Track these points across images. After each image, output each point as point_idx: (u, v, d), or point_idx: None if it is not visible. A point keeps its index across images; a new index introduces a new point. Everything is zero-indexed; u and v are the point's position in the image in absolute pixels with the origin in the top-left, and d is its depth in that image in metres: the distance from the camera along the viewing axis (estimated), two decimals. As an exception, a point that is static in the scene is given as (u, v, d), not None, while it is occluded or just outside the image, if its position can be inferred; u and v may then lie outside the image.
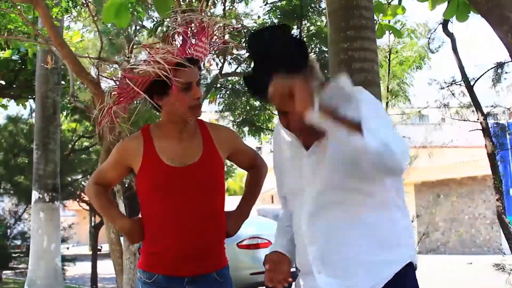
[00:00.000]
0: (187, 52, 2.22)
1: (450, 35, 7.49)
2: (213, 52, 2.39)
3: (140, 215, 2.38)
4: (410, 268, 1.89)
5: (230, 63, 9.87)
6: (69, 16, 8.66)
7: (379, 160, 1.67)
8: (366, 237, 1.87)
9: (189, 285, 2.26)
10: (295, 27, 9.24)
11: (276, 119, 12.39)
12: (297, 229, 2.01)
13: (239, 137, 2.58)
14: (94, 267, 13.26)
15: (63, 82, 9.81)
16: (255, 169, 2.57)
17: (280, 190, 2.13)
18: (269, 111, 11.41)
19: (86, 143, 15.40)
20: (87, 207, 16.10)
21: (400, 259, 1.87)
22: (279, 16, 9.51)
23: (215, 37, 2.37)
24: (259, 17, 9.98)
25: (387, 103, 9.65)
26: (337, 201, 1.89)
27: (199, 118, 2.36)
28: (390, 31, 6.13)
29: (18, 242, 14.34)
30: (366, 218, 1.88)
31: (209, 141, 2.33)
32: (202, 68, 2.39)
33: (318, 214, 1.92)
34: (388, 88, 9.68)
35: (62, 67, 8.88)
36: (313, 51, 9.29)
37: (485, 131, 6.98)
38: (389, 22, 6.23)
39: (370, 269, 1.86)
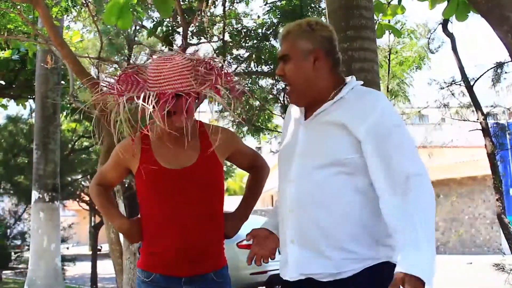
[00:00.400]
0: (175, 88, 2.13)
1: (450, 35, 7.49)
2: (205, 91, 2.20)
3: (139, 215, 2.40)
4: (386, 267, 1.85)
5: (230, 63, 9.86)
6: (68, 16, 8.65)
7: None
8: (347, 220, 1.85)
9: (186, 285, 2.27)
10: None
11: (275, 120, 12.40)
12: (281, 195, 2.00)
13: (238, 138, 2.56)
14: (94, 267, 13.27)
15: (63, 82, 9.80)
16: (256, 169, 2.56)
17: None
18: (269, 111, 11.41)
19: (86, 143, 15.40)
20: (87, 207, 16.10)
21: (373, 256, 1.86)
22: (279, 16, 9.51)
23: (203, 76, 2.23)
24: (258, 16, 9.98)
25: (387, 103, 9.66)
26: (326, 174, 1.87)
27: (199, 120, 2.40)
28: (390, 31, 6.13)
29: (18, 242, 14.34)
30: (351, 202, 1.86)
31: (207, 143, 2.33)
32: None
33: (305, 178, 1.90)
34: (388, 88, 9.68)
35: (62, 67, 8.88)
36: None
37: (485, 131, 6.98)
38: (389, 22, 6.23)
39: (341, 256, 1.84)
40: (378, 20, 5.56)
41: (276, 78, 9.57)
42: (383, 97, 1.95)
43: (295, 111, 2.09)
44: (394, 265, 1.88)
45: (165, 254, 2.25)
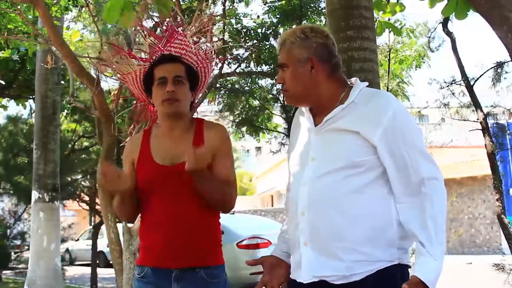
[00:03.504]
0: (163, 49, 2.38)
1: (450, 34, 7.47)
2: (202, 48, 2.48)
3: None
4: (398, 269, 1.90)
5: (229, 63, 9.87)
6: (67, 15, 8.65)
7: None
8: (361, 222, 1.86)
9: (176, 282, 2.28)
10: (294, 26, 9.25)
11: (274, 119, 12.40)
12: (293, 199, 2.01)
13: (230, 143, 2.44)
14: (93, 267, 13.26)
15: (62, 82, 9.80)
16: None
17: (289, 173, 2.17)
18: (268, 111, 11.41)
19: (86, 143, 15.38)
20: (87, 207, 16.09)
21: (387, 259, 1.87)
22: (279, 16, 9.52)
23: (200, 35, 2.49)
24: (258, 16, 9.99)
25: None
26: (340, 176, 1.89)
27: (199, 117, 2.46)
28: (390, 28, 6.12)
29: (18, 242, 14.34)
30: (365, 204, 1.88)
31: (200, 139, 2.33)
32: (194, 63, 2.46)
33: (319, 181, 1.91)
34: (387, 88, 9.67)
35: (62, 67, 8.88)
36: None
37: (485, 131, 6.96)
38: (388, 20, 6.21)
39: (354, 258, 1.86)
40: (378, 18, 5.56)
41: (275, 78, 9.58)
42: (393, 99, 1.96)
43: (303, 117, 2.11)
44: (406, 267, 1.92)
45: (155, 246, 2.30)
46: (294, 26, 9.31)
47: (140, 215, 2.43)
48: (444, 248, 1.84)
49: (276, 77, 2.10)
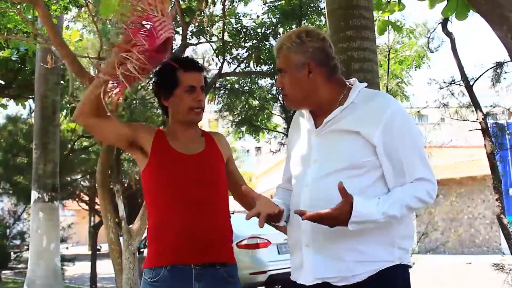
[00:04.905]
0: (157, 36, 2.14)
1: (449, 34, 7.47)
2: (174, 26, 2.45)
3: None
4: (399, 269, 1.90)
5: (229, 63, 9.87)
6: (67, 14, 8.63)
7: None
8: None
9: (197, 282, 2.22)
10: (294, 26, 9.26)
11: (274, 119, 12.40)
12: (296, 198, 2.01)
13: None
14: (93, 267, 13.26)
15: (62, 82, 9.79)
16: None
17: (286, 171, 2.18)
18: (268, 111, 11.42)
19: (85, 143, 15.38)
20: (87, 207, 16.09)
21: (388, 259, 1.88)
22: (278, 16, 9.52)
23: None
24: (258, 16, 9.99)
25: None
26: (341, 177, 1.88)
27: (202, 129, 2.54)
28: (390, 26, 6.11)
29: (18, 242, 14.35)
30: None
31: (211, 140, 2.46)
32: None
33: (321, 182, 1.92)
34: (387, 88, 9.67)
35: (62, 67, 8.87)
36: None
37: (485, 131, 6.96)
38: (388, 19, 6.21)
39: (356, 258, 1.86)
40: (378, 17, 5.56)
41: (275, 77, 9.59)
42: (392, 100, 1.98)
43: (303, 118, 2.11)
44: (407, 267, 1.93)
45: (172, 242, 2.23)
46: (293, 26, 9.32)
47: (148, 216, 2.39)
48: (387, 215, 1.82)
49: (275, 80, 2.11)
